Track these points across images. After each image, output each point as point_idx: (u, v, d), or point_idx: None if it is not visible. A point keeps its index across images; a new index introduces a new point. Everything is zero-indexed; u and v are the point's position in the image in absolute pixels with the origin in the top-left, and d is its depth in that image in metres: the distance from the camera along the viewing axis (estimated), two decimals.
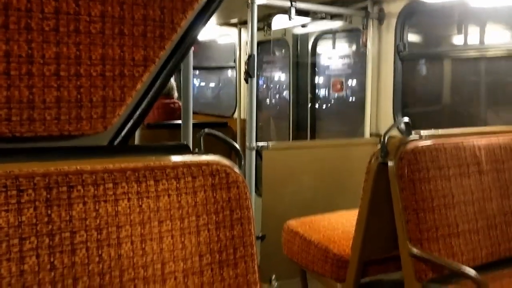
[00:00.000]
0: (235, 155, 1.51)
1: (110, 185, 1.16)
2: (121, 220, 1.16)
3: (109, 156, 1.25)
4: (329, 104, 4.89)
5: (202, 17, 1.41)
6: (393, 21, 3.57)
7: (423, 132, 2.01)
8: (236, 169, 1.35)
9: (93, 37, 1.20)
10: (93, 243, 1.12)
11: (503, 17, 3.22)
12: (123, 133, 1.39)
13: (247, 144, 3.21)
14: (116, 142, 1.39)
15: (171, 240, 1.23)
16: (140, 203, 1.19)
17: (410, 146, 1.91)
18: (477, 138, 2.08)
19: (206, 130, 1.42)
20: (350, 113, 4.60)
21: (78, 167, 1.14)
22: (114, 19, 1.22)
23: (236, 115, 5.40)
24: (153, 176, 1.22)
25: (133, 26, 1.25)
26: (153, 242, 1.20)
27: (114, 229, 1.15)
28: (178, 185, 1.25)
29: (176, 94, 5.18)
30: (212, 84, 7.19)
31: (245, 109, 4.99)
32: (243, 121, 4.83)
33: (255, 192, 3.47)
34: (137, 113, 1.39)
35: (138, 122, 1.42)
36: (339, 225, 2.52)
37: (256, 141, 3.24)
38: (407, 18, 3.54)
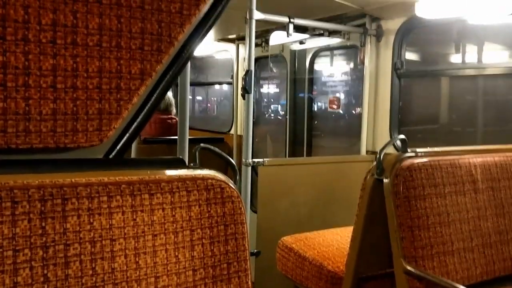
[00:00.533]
0: (231, 170, 1.51)
1: (105, 198, 1.16)
2: (115, 233, 1.16)
3: (104, 169, 1.25)
4: (326, 121, 4.91)
5: (199, 32, 1.43)
6: (391, 38, 3.61)
7: (419, 150, 2.02)
8: (231, 184, 1.35)
9: (90, 49, 1.20)
10: (87, 256, 1.12)
11: (501, 34, 3.26)
12: (118, 147, 1.39)
13: (243, 160, 3.21)
14: (111, 155, 1.39)
15: (165, 254, 1.22)
16: (135, 216, 1.19)
17: (406, 163, 1.91)
18: (473, 156, 2.08)
19: (202, 144, 1.43)
20: (347, 130, 4.62)
21: (73, 180, 1.14)
22: (111, 32, 1.23)
23: (232, 131, 5.41)
24: (147, 190, 1.22)
25: (130, 39, 1.26)
26: (147, 256, 1.20)
27: (108, 242, 1.15)
28: (172, 199, 1.25)
29: (174, 111, 5.20)
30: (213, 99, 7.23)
31: (241, 125, 5.00)
32: (240, 137, 4.83)
33: (251, 208, 3.46)
34: (133, 126, 1.39)
35: (134, 135, 1.42)
36: (334, 242, 2.51)
37: (252, 157, 3.24)
38: (405, 35, 3.57)
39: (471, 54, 3.58)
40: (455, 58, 3.77)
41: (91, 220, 1.13)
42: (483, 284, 1.97)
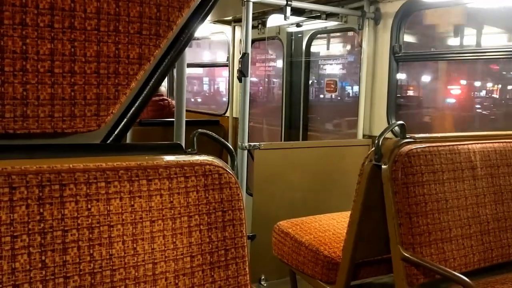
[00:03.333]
0: (228, 155, 1.49)
1: (103, 184, 1.15)
2: (113, 219, 1.16)
3: (102, 154, 1.24)
4: (322, 104, 4.89)
5: (198, 15, 1.40)
6: (390, 21, 3.57)
7: (418, 135, 2.01)
8: (229, 170, 1.34)
9: (88, 34, 1.19)
10: (85, 242, 1.12)
11: (501, 18, 3.23)
12: (116, 132, 1.38)
13: (239, 143, 3.19)
14: (109, 140, 1.38)
15: (162, 240, 1.22)
16: (132, 202, 1.19)
17: (405, 149, 1.90)
18: (472, 143, 2.08)
19: (200, 130, 1.41)
20: (343, 114, 4.60)
21: (71, 165, 1.13)
22: (109, 16, 1.20)
23: (228, 113, 5.38)
24: (145, 176, 1.21)
25: (129, 23, 1.24)
26: (145, 242, 1.20)
27: (106, 228, 1.15)
28: (170, 185, 1.24)
29: (163, 89, 5.16)
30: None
31: (237, 108, 4.97)
32: (235, 120, 4.81)
33: (246, 191, 3.46)
34: (131, 111, 1.38)
35: (132, 120, 1.41)
36: (331, 227, 2.52)
37: (248, 140, 3.23)
38: (403, 18, 3.53)
39: (470, 37, 3.55)
40: (454, 42, 3.75)
41: (89, 206, 1.13)
42: (481, 271, 1.99)
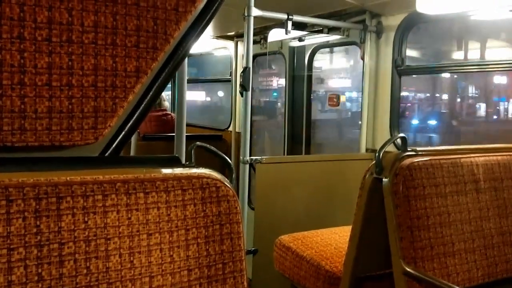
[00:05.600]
0: (227, 169, 1.49)
1: (100, 196, 1.15)
2: (109, 232, 1.15)
3: (100, 167, 1.24)
4: (325, 119, 4.89)
5: (196, 29, 1.41)
6: (392, 35, 3.57)
7: (420, 148, 1.99)
8: (227, 183, 1.33)
9: (85, 47, 1.20)
10: (81, 255, 1.12)
11: (504, 31, 3.24)
12: (114, 145, 1.38)
13: (241, 157, 3.19)
14: (107, 154, 1.38)
15: (159, 253, 1.21)
16: (129, 215, 1.18)
17: (406, 162, 1.89)
18: (475, 155, 2.06)
19: (198, 143, 1.41)
20: (346, 128, 4.59)
21: (68, 178, 1.13)
22: (107, 30, 1.22)
23: (231, 128, 5.39)
24: (142, 189, 1.21)
25: (126, 36, 1.25)
26: (142, 255, 1.19)
27: (103, 241, 1.14)
28: (167, 198, 1.23)
29: (166, 104, 5.18)
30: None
31: (239, 122, 4.98)
32: (238, 134, 4.81)
33: (248, 205, 3.44)
34: (129, 124, 1.38)
35: (130, 133, 1.41)
36: (332, 241, 2.49)
37: (250, 154, 3.22)
38: (406, 32, 3.53)
39: (473, 50, 3.56)
40: (457, 55, 3.75)
41: (86, 218, 1.13)
42: (485, 287, 1.95)
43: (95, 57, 1.21)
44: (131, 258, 1.17)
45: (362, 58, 3.75)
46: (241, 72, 3.17)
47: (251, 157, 3.19)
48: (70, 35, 1.17)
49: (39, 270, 1.06)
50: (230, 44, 5.30)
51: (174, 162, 1.37)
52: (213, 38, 5.27)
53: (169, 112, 5.14)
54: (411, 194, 1.85)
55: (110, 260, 1.14)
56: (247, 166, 3.20)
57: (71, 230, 1.11)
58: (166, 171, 1.28)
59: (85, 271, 1.11)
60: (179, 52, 1.40)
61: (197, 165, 1.35)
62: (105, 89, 1.24)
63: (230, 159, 4.85)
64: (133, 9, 1.25)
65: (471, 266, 1.92)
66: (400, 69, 3.55)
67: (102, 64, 1.22)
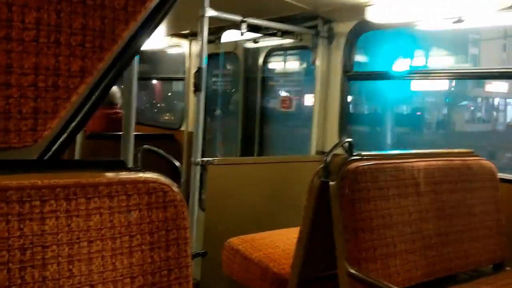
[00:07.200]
0: (176, 172, 1.47)
1: (37, 202, 1.10)
2: (47, 239, 1.11)
3: (39, 171, 1.19)
4: (277, 120, 4.93)
5: (146, 29, 1.38)
6: (342, 41, 3.65)
7: (365, 153, 2.05)
8: (175, 188, 1.31)
9: (26, 45, 1.14)
10: (15, 264, 1.06)
11: (447, 41, 3.38)
12: (55, 147, 1.33)
13: (192, 159, 3.16)
14: (47, 156, 1.33)
15: (101, 261, 1.18)
16: (69, 222, 1.14)
17: (352, 166, 1.94)
18: (416, 160, 2.14)
19: (145, 146, 1.38)
20: (298, 130, 4.65)
21: (3, 183, 1.07)
22: (50, 27, 1.17)
23: (183, 127, 5.34)
24: (84, 194, 1.17)
25: (71, 35, 1.20)
26: (82, 264, 1.15)
27: (40, 249, 1.09)
28: (111, 203, 1.20)
29: (121, 102, 5.06)
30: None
31: (192, 122, 4.94)
32: (191, 134, 4.77)
33: (199, 206, 3.42)
34: (72, 126, 1.33)
35: (73, 135, 1.36)
36: (281, 244, 2.52)
37: (203, 155, 3.20)
38: (355, 38, 3.63)
39: (418, 59, 3.70)
40: (403, 62, 3.88)
41: (21, 226, 1.07)
42: (424, 285, 2.03)
43: (36, 55, 1.16)
44: (70, 267, 1.13)
45: (314, 63, 3.81)
46: (195, 72, 3.15)
47: (203, 159, 3.17)
48: (9, 31, 1.11)
49: None
50: (185, 42, 5.25)
51: (120, 165, 1.33)
52: (167, 36, 5.20)
53: (120, 110, 5.02)
54: (357, 197, 1.90)
55: (47, 269, 1.10)
56: (199, 167, 3.18)
57: (5, 238, 1.05)
58: (110, 175, 1.25)
59: (19, 281, 1.06)
60: (128, 52, 1.36)
61: (145, 168, 1.33)
62: (46, 89, 1.19)
63: (182, 160, 4.82)
64: (79, 7, 1.20)
65: (411, 266, 1.99)
66: (349, 75, 3.64)
67: (43, 63, 1.17)
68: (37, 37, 1.15)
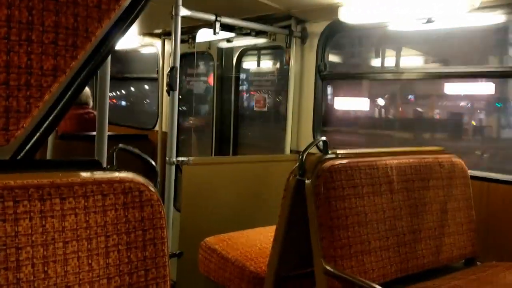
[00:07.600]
0: (152, 172, 1.46)
1: (10, 203, 1.08)
2: (21, 241, 1.08)
3: (11, 171, 1.16)
4: (252, 120, 4.94)
5: (120, 27, 1.37)
6: (315, 41, 3.68)
7: (339, 151, 2.07)
8: (151, 187, 1.30)
9: None
10: None
11: (417, 41, 3.45)
12: (28, 147, 1.30)
13: (167, 158, 3.14)
14: (20, 156, 1.30)
15: (77, 262, 1.16)
16: (44, 222, 1.12)
17: (327, 164, 1.96)
18: (389, 158, 2.18)
19: (121, 145, 1.37)
20: (272, 129, 4.67)
21: None
22: (21, 25, 1.15)
23: (157, 127, 5.29)
24: (59, 194, 1.15)
25: (43, 33, 1.18)
26: (57, 265, 1.13)
27: (13, 251, 1.07)
28: (86, 203, 1.18)
29: (91, 103, 4.99)
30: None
31: (166, 122, 4.90)
32: (165, 134, 4.73)
33: (174, 206, 3.39)
34: (45, 125, 1.31)
35: (46, 134, 1.34)
36: (257, 242, 2.52)
37: (177, 155, 3.18)
38: (328, 39, 3.66)
39: (390, 58, 3.76)
40: (375, 62, 3.94)
41: None
42: (398, 281, 2.07)
43: (7, 53, 1.13)
44: (45, 268, 1.11)
45: (288, 63, 3.83)
46: (168, 72, 3.12)
47: (178, 158, 3.15)
48: None
49: None
50: (157, 42, 5.20)
51: (94, 165, 1.31)
52: (140, 35, 5.14)
53: (92, 110, 4.95)
54: (332, 195, 1.92)
55: (21, 270, 1.07)
56: (174, 167, 3.15)
57: None
58: (85, 175, 1.23)
59: None
60: (102, 50, 1.35)
61: (120, 168, 1.31)
62: (18, 87, 1.16)
63: (156, 160, 4.77)
64: (51, 4, 1.18)
65: (385, 263, 2.03)
66: (323, 74, 3.67)
67: (15, 61, 1.15)
68: (8, 35, 1.13)
